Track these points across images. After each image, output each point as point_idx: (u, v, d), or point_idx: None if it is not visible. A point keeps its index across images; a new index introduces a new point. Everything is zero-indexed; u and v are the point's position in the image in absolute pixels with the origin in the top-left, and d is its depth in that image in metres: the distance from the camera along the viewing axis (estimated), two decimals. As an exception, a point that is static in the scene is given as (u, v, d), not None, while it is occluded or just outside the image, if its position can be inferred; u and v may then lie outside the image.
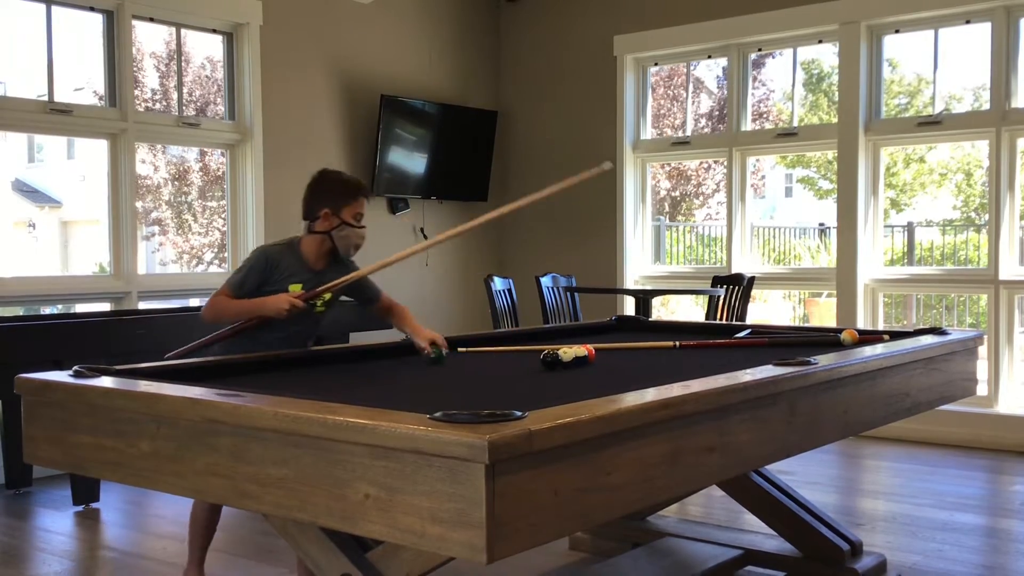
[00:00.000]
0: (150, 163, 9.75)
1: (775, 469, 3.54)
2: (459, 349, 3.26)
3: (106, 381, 2.34)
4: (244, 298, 3.06)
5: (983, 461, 5.38)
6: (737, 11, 6.48)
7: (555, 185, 3.15)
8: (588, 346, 2.86)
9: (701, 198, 12.52)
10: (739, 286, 5.80)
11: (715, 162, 10.50)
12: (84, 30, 5.61)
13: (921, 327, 4.14)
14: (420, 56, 7.08)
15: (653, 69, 7.25)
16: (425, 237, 7.10)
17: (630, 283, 7.04)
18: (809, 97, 10.82)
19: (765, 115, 9.20)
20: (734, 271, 6.38)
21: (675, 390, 2.11)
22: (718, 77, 8.11)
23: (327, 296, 3.16)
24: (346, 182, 3.24)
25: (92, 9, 5.48)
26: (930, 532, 4.02)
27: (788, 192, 17.16)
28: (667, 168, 11.24)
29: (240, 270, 3.13)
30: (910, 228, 10.86)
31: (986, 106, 5.93)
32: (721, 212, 11.24)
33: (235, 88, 6.11)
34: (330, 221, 3.15)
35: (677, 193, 11.91)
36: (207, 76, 7.29)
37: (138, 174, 5.81)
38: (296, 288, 3.08)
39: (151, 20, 5.76)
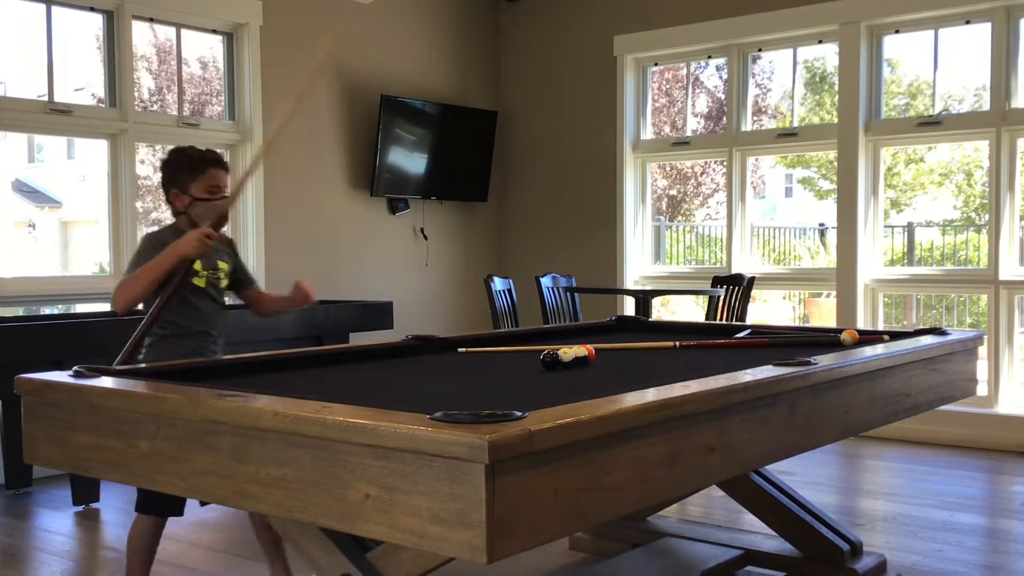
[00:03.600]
0: (150, 163, 9.73)
1: (775, 469, 3.54)
2: (459, 349, 3.26)
3: (106, 381, 2.34)
4: None
5: (983, 461, 5.38)
6: (737, 11, 6.49)
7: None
8: (588, 346, 2.86)
9: (701, 198, 12.52)
10: (739, 286, 5.80)
11: (717, 162, 10.50)
12: (84, 30, 5.61)
13: (921, 327, 4.14)
14: (420, 56, 7.08)
15: (653, 69, 7.25)
16: (425, 238, 7.11)
17: (630, 283, 7.04)
18: (810, 97, 10.81)
19: (764, 111, 9.19)
20: (734, 271, 6.38)
21: (675, 390, 2.10)
22: (718, 75, 8.11)
23: (225, 267, 3.10)
24: (189, 156, 3.07)
25: (92, 9, 5.48)
26: (930, 532, 4.02)
27: (788, 192, 17.15)
28: (667, 167, 11.24)
29: (135, 256, 3.02)
30: (910, 228, 10.86)
31: (986, 106, 5.93)
32: (720, 212, 11.25)
33: (235, 88, 6.11)
34: (181, 200, 3.04)
35: (674, 192, 11.90)
36: (207, 76, 7.29)
37: (138, 174, 5.81)
38: (198, 265, 2.99)
39: (151, 20, 5.76)
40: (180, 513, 2.99)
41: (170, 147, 3.23)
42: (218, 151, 3.21)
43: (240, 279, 3.23)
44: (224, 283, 3.13)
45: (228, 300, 3.26)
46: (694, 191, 12.43)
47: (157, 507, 2.97)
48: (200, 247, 2.89)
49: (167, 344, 3.03)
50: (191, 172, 3.05)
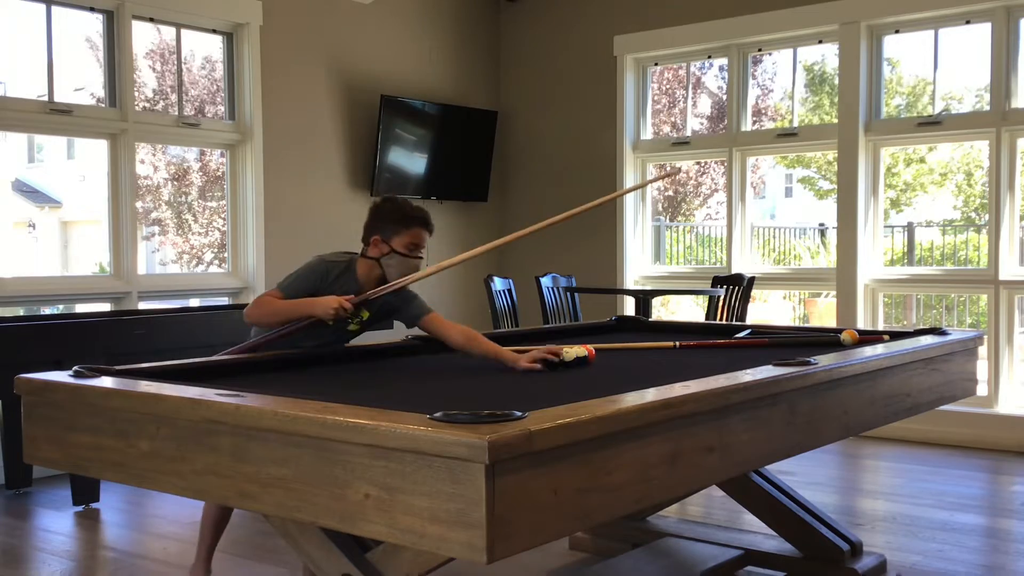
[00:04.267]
0: (150, 163, 9.75)
1: (775, 469, 3.54)
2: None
3: (106, 381, 2.34)
4: (290, 297, 3.03)
5: (983, 461, 5.38)
6: (737, 11, 6.49)
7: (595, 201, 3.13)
8: (588, 346, 2.86)
9: (701, 198, 12.52)
10: (739, 286, 5.80)
11: (717, 162, 10.50)
12: (84, 30, 5.61)
13: (921, 327, 4.14)
14: (420, 56, 7.08)
15: (653, 69, 7.25)
16: (425, 237, 7.09)
17: (630, 283, 7.04)
18: (811, 97, 10.82)
19: (764, 111, 9.19)
20: (734, 271, 6.38)
21: (675, 390, 2.11)
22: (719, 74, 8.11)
23: (365, 316, 3.12)
24: (402, 210, 3.14)
25: (92, 9, 5.48)
26: (930, 532, 4.02)
27: (788, 192, 17.16)
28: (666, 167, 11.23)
29: (294, 273, 3.09)
30: (910, 228, 10.86)
31: (986, 106, 5.93)
32: (720, 212, 11.24)
33: (235, 88, 6.11)
34: (380, 248, 3.10)
35: (671, 192, 11.90)
36: (207, 76, 7.29)
37: (138, 174, 5.82)
38: None
39: (151, 20, 5.76)
40: None
41: (389, 195, 3.27)
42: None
43: (414, 314, 3.16)
44: (354, 327, 3.14)
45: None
46: (694, 190, 12.43)
47: None
48: (332, 316, 2.95)
49: (299, 338, 3.07)
50: (397, 225, 3.10)
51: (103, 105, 5.67)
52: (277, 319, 3.00)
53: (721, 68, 7.63)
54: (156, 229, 10.19)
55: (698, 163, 11.19)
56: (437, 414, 1.73)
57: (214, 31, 6.06)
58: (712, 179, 12.16)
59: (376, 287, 3.09)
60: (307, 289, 3.04)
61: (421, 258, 3.15)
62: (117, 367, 2.54)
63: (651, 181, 3.16)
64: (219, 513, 3.12)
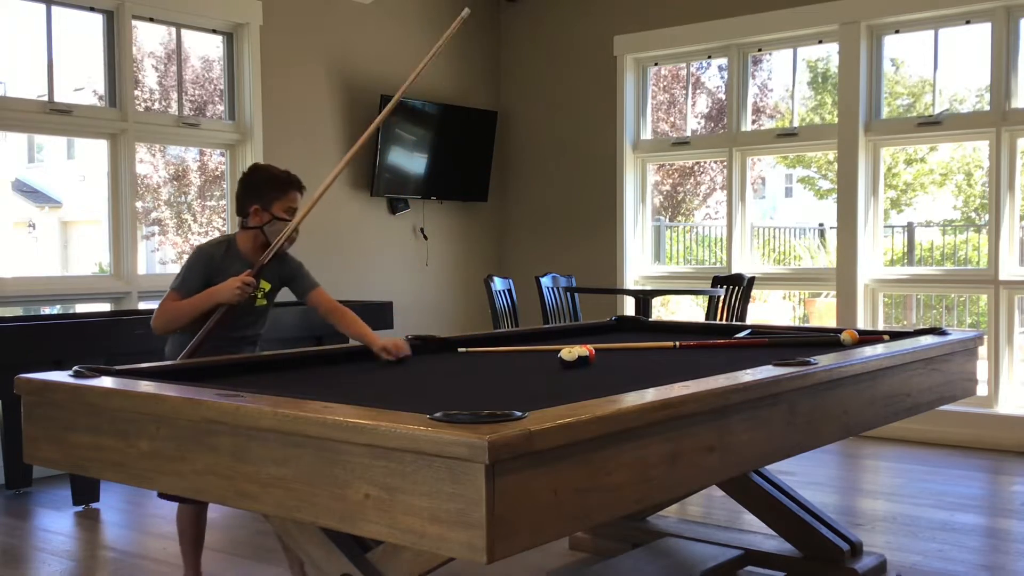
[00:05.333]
0: (150, 163, 9.75)
1: (775, 469, 3.54)
2: (459, 349, 3.26)
3: (106, 381, 2.34)
4: (190, 295, 3.05)
5: (983, 461, 5.38)
6: (737, 11, 6.49)
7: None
8: (588, 346, 2.86)
9: (700, 198, 12.52)
10: (739, 286, 5.80)
11: (716, 162, 10.50)
12: (84, 30, 5.61)
13: (921, 327, 4.14)
14: (420, 56, 7.05)
15: (653, 69, 7.25)
16: (426, 237, 7.10)
17: (630, 283, 7.04)
18: (812, 96, 10.82)
19: (762, 110, 9.19)
20: (734, 271, 6.38)
21: (675, 390, 2.11)
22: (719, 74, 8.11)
23: (266, 287, 3.18)
24: (275, 177, 3.20)
25: (92, 9, 5.48)
26: (930, 532, 4.03)
27: (788, 192, 17.16)
28: (665, 167, 11.24)
29: (180, 273, 3.12)
30: (910, 228, 10.86)
31: (986, 106, 5.93)
32: (720, 211, 11.24)
33: (235, 88, 6.12)
34: (260, 216, 3.14)
35: (668, 188, 11.90)
36: (207, 76, 7.29)
37: (138, 174, 5.82)
38: None
39: (151, 20, 5.76)
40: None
41: (253, 164, 3.33)
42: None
43: (303, 287, 3.28)
44: (261, 302, 3.19)
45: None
46: (693, 190, 12.43)
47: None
48: (239, 296, 2.99)
49: (225, 342, 3.10)
50: (274, 191, 3.15)
51: (103, 105, 5.67)
52: (186, 319, 3.03)
53: (720, 68, 7.63)
54: (156, 229, 10.19)
55: (696, 163, 11.19)
56: (437, 414, 1.73)
57: (214, 31, 6.06)
58: (711, 177, 12.16)
59: (262, 254, 3.14)
60: (200, 280, 3.08)
61: (300, 219, 3.20)
62: (117, 367, 2.54)
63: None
64: (194, 523, 3.15)
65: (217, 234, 9.72)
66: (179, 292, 3.06)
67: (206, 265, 3.09)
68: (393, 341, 3.03)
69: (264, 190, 3.15)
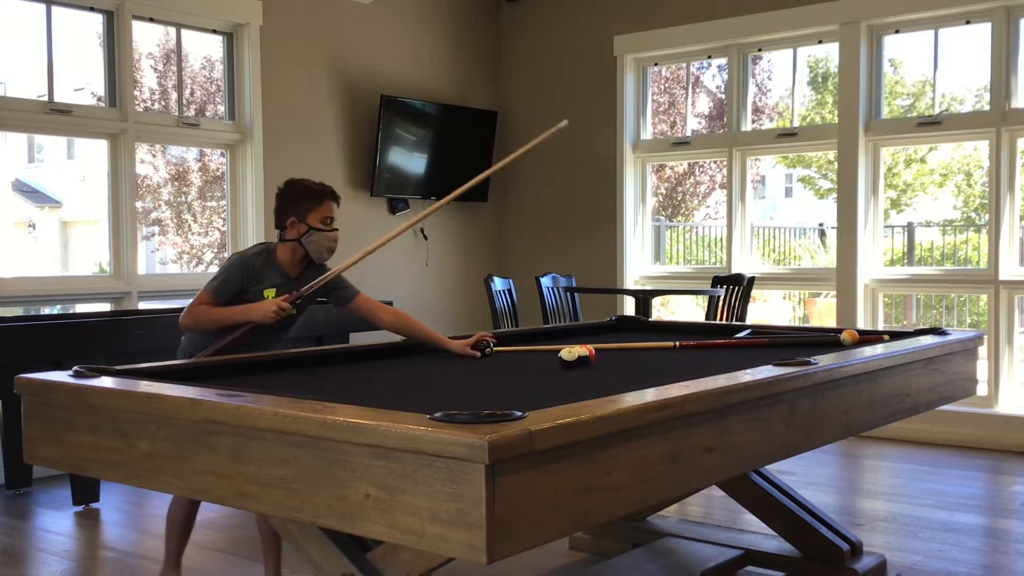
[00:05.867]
0: (150, 163, 9.73)
1: (775, 469, 3.54)
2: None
3: (106, 381, 2.34)
4: (222, 304, 3.07)
5: (983, 461, 5.38)
6: (737, 11, 6.49)
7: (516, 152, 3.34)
8: (588, 346, 2.86)
9: (699, 197, 12.52)
10: (739, 286, 5.80)
11: (715, 162, 10.50)
12: (84, 30, 5.61)
13: (921, 327, 4.14)
14: (420, 56, 7.08)
15: (653, 69, 7.25)
16: (425, 238, 7.10)
17: (630, 283, 7.04)
18: (813, 95, 10.82)
19: (762, 109, 9.19)
20: (734, 271, 6.38)
21: (675, 390, 2.11)
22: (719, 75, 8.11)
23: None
24: (309, 188, 3.23)
25: (92, 9, 5.48)
26: (930, 532, 4.03)
27: (788, 192, 17.16)
28: (665, 168, 11.25)
29: (218, 276, 3.13)
30: (910, 228, 10.86)
31: (986, 106, 5.93)
32: (719, 211, 11.24)
33: (235, 88, 6.11)
34: (298, 228, 3.18)
35: (665, 188, 11.90)
36: (207, 76, 7.29)
37: (138, 174, 5.81)
38: (270, 293, 3.11)
39: (151, 20, 5.76)
40: None
41: (289, 178, 3.35)
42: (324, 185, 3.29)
43: (343, 296, 3.30)
44: (293, 312, 3.19)
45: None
46: (692, 189, 12.43)
47: None
48: (272, 319, 3.03)
49: (247, 345, 3.11)
50: (309, 203, 3.18)
51: (103, 105, 5.67)
52: (215, 327, 3.08)
53: (720, 67, 7.63)
54: (156, 229, 10.18)
55: (695, 163, 11.19)
56: (437, 414, 1.73)
57: (214, 31, 6.06)
58: (710, 176, 12.16)
59: (300, 267, 3.20)
60: (236, 288, 3.10)
61: (336, 230, 3.24)
62: (117, 367, 2.54)
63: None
64: (185, 516, 3.16)
65: (218, 235, 9.72)
66: (213, 296, 3.09)
67: (245, 274, 3.12)
68: (469, 341, 3.15)
69: (299, 202, 3.18)
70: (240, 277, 3.11)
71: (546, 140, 3.31)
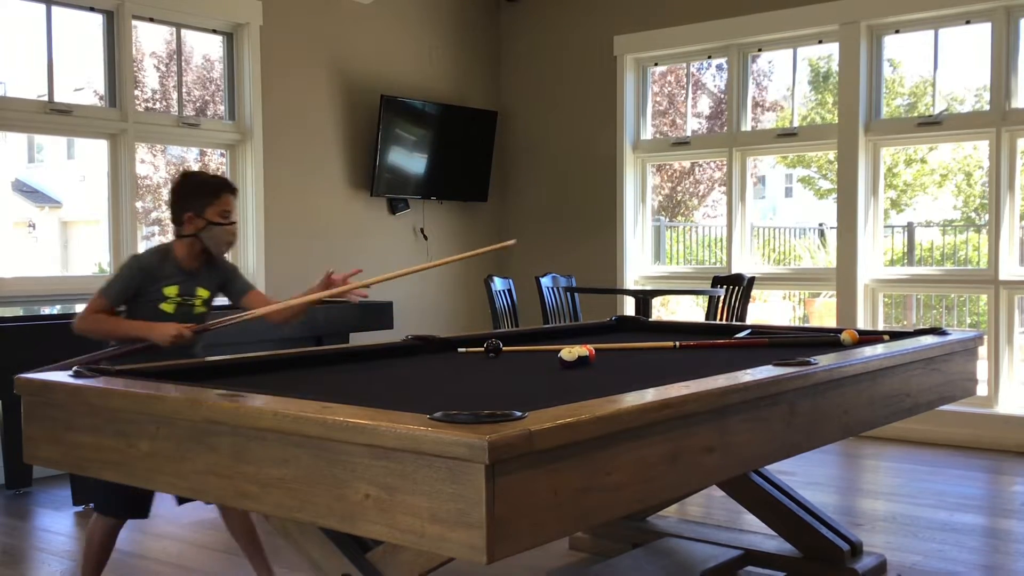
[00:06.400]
0: (150, 163, 9.74)
1: (775, 469, 3.54)
2: (459, 349, 3.26)
3: (106, 381, 2.34)
4: (117, 304, 3.06)
5: (983, 461, 5.38)
6: (737, 11, 6.49)
7: (457, 256, 3.25)
8: (588, 346, 2.86)
9: (699, 197, 12.52)
10: (739, 286, 5.80)
11: (713, 162, 10.50)
12: (84, 30, 5.60)
13: (921, 327, 4.14)
14: (420, 56, 7.08)
15: (653, 69, 7.25)
16: (425, 238, 7.10)
17: (630, 283, 7.04)
18: (813, 95, 10.81)
19: (761, 106, 9.19)
20: (734, 271, 6.38)
21: (675, 390, 2.11)
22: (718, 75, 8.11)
23: (205, 294, 3.17)
24: (206, 182, 3.18)
25: (92, 9, 5.48)
26: (930, 532, 4.03)
27: (788, 192, 17.17)
28: (664, 168, 11.24)
29: (114, 280, 3.11)
30: (910, 228, 10.86)
31: (986, 106, 5.93)
32: (718, 209, 11.24)
33: (235, 88, 6.11)
34: (195, 223, 3.11)
35: (667, 190, 11.90)
36: (207, 76, 7.29)
37: (138, 174, 5.81)
38: (171, 291, 3.09)
39: (151, 20, 5.76)
40: (144, 515, 3.09)
41: (183, 171, 3.32)
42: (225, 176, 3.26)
43: (232, 291, 3.29)
44: (200, 309, 3.18)
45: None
46: (692, 189, 12.43)
47: (120, 509, 3.06)
48: (169, 343, 2.98)
49: (140, 356, 3.04)
50: (206, 197, 3.12)
51: (103, 105, 5.67)
52: (109, 337, 3.06)
53: (719, 67, 7.64)
54: (156, 229, 10.17)
55: (695, 163, 11.19)
56: (437, 414, 1.73)
57: (214, 31, 6.06)
58: (709, 175, 12.16)
59: (198, 262, 3.15)
60: (132, 291, 3.07)
61: (235, 223, 3.19)
62: (117, 367, 2.54)
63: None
64: (103, 542, 3.08)
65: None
66: (109, 300, 3.06)
67: (142, 276, 3.08)
68: (340, 277, 3.14)
69: (196, 197, 3.12)
70: (136, 280, 3.07)
71: (487, 253, 3.22)
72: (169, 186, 3.23)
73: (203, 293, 3.18)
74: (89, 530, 3.10)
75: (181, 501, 3.09)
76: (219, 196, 3.13)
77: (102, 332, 3.06)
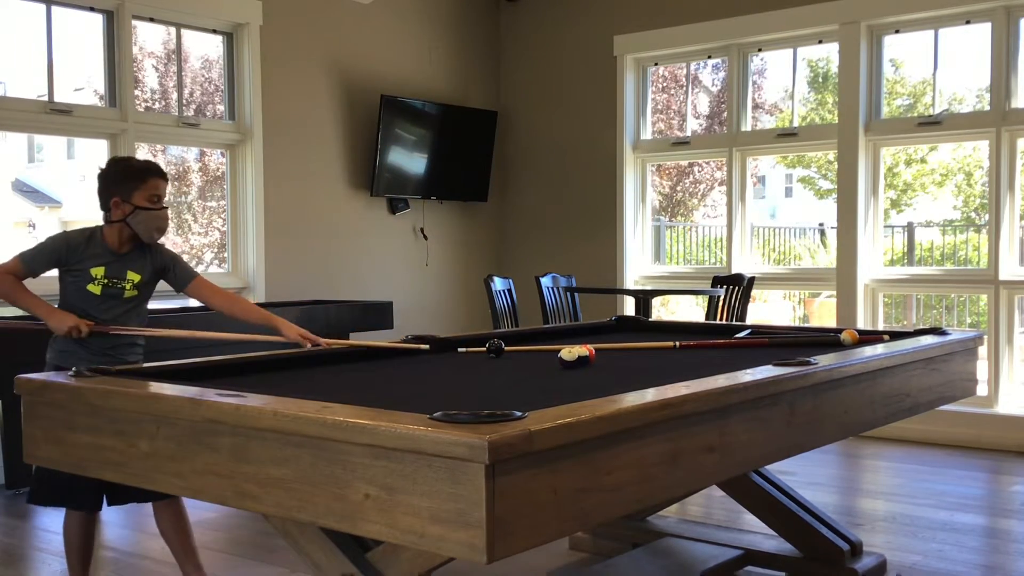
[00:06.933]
0: (150, 163, 9.72)
1: (775, 469, 3.54)
2: (459, 349, 3.26)
3: (106, 381, 2.34)
4: (31, 273, 3.06)
5: (983, 461, 5.38)
6: (737, 11, 6.49)
7: (366, 343, 3.19)
8: (588, 346, 2.86)
9: (699, 196, 12.52)
10: (739, 286, 5.80)
11: (710, 162, 10.49)
12: (84, 30, 5.61)
13: (921, 327, 4.14)
14: (420, 56, 7.08)
15: (653, 69, 7.25)
16: (425, 238, 7.10)
17: (630, 283, 7.04)
18: (813, 95, 10.82)
19: (761, 106, 9.19)
20: (734, 271, 6.38)
21: (675, 390, 2.11)
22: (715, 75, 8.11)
23: (136, 278, 3.12)
24: (132, 167, 3.13)
25: (92, 9, 5.48)
26: (930, 532, 4.03)
27: (788, 192, 17.17)
28: (663, 167, 11.24)
29: (35, 248, 3.08)
30: (910, 228, 10.86)
31: (986, 106, 5.93)
32: (718, 208, 11.24)
33: (235, 88, 6.11)
34: (122, 208, 3.07)
35: (667, 190, 11.90)
36: (207, 76, 7.29)
37: (138, 174, 5.80)
38: (98, 272, 3.06)
39: (151, 20, 5.76)
40: (96, 508, 3.07)
41: (111, 156, 3.29)
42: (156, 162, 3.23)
43: (173, 280, 3.24)
44: (130, 293, 3.13)
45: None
46: (692, 188, 12.43)
47: (54, 499, 3.06)
48: (64, 334, 3.01)
49: (70, 344, 3.08)
50: (135, 182, 3.07)
51: (103, 105, 5.67)
52: (13, 303, 3.09)
53: (716, 67, 7.64)
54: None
55: (694, 163, 11.19)
56: (437, 414, 1.73)
57: (214, 31, 6.06)
58: (709, 174, 12.16)
59: (128, 247, 3.11)
60: (51, 263, 3.07)
61: (166, 208, 3.15)
62: (117, 367, 2.54)
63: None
64: (81, 534, 3.10)
65: (218, 235, 9.73)
66: (25, 265, 3.05)
67: (66, 251, 3.05)
68: (304, 333, 3.06)
69: (122, 181, 3.08)
70: (58, 253, 3.05)
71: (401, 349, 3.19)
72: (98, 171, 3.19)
73: (133, 277, 3.11)
74: (64, 530, 3.13)
75: (112, 502, 3.09)
76: (145, 180, 3.07)
77: (3, 292, 3.05)
